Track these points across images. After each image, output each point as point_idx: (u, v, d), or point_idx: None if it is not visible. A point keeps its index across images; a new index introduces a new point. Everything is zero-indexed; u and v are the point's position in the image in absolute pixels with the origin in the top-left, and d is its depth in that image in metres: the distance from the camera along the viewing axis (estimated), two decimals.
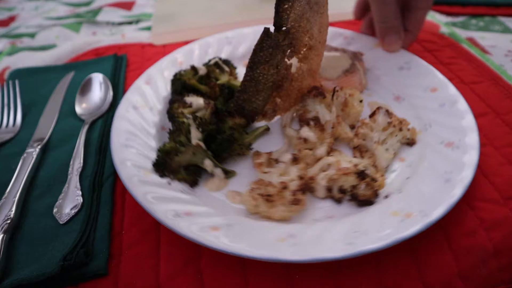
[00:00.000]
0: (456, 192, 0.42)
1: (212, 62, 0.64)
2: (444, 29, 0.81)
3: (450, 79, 0.64)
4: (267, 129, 0.57)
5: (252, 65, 0.51)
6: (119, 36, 0.88)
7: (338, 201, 0.47)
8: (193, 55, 0.69)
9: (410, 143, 0.53)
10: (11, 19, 1.05)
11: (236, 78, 0.64)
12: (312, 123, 0.53)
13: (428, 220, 0.40)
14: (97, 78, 0.67)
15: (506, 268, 0.40)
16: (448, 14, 0.88)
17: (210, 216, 0.44)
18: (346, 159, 0.49)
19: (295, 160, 0.49)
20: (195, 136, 0.50)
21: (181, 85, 0.60)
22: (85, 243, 0.43)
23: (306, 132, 0.52)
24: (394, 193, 0.46)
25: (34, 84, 0.70)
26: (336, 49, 0.66)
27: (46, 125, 0.60)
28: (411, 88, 0.60)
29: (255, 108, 0.54)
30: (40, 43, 0.88)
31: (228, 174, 0.51)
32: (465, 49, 0.72)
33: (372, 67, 0.66)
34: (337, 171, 0.46)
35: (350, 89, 0.57)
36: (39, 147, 0.55)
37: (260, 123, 0.57)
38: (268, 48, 0.49)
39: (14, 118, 0.63)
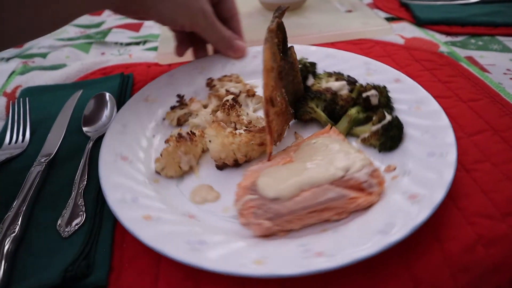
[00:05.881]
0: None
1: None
2: (443, 48, 0.82)
3: (449, 97, 0.65)
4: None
5: None
6: (126, 56, 0.91)
7: None
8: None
9: None
10: None
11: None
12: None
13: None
14: (103, 97, 0.69)
15: (504, 285, 0.40)
16: (448, 34, 0.89)
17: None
18: None
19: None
20: None
21: None
22: (87, 255, 0.44)
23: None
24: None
25: (43, 101, 0.73)
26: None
27: (54, 142, 0.62)
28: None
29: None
30: (51, 62, 0.91)
31: None
32: (464, 68, 0.74)
33: None
34: None
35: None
36: (46, 162, 0.57)
37: None
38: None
39: (23, 134, 0.65)
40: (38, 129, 0.66)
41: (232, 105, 0.58)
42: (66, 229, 0.47)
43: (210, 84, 0.69)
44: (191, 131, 0.55)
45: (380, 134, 0.53)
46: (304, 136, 0.58)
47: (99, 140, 0.61)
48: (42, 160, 0.57)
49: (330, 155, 0.46)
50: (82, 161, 0.57)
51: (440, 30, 0.90)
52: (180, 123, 0.63)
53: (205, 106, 0.65)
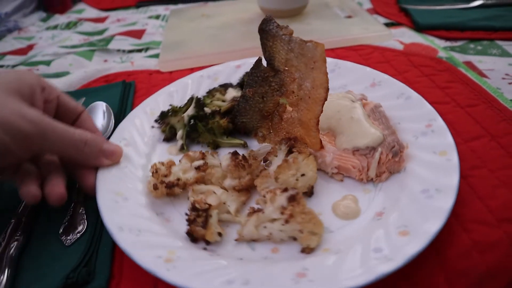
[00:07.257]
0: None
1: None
2: (442, 54, 0.83)
3: (447, 103, 0.66)
4: (244, 144, 0.62)
5: (245, 84, 0.56)
6: (128, 64, 0.92)
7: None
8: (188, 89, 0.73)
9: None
10: (30, 47, 1.11)
11: None
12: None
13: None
14: (101, 107, 0.70)
15: None
16: (447, 38, 0.90)
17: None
18: None
19: None
20: None
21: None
22: (88, 262, 0.45)
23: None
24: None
25: None
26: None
27: None
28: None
29: (244, 122, 0.59)
30: (54, 70, 0.92)
31: None
32: (462, 73, 0.74)
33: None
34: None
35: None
36: None
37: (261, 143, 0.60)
38: (256, 76, 0.55)
39: None
40: None
41: (244, 156, 0.52)
42: (68, 237, 0.48)
43: (165, 184, 0.52)
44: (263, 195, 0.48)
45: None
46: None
47: None
48: None
49: (342, 103, 0.57)
50: None
51: (439, 35, 0.91)
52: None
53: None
